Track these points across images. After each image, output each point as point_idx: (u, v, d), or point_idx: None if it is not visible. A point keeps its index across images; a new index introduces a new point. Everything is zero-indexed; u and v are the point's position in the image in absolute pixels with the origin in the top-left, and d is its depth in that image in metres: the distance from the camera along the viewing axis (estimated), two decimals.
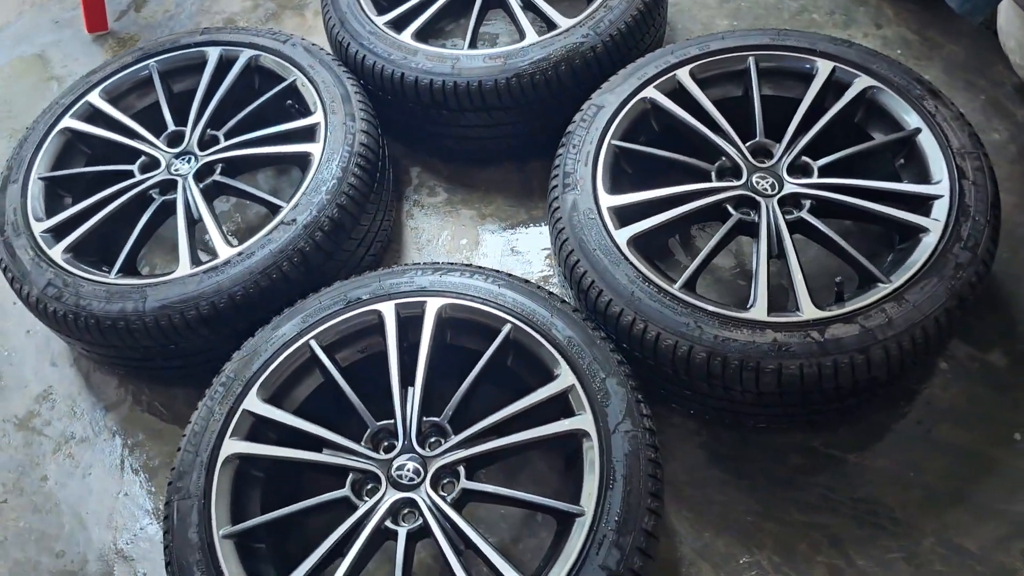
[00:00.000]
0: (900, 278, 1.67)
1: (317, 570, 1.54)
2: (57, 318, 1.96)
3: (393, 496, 1.59)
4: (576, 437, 1.60)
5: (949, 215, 1.74)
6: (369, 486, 1.63)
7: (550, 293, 1.79)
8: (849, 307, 1.64)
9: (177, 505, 1.64)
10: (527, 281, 1.81)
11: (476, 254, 2.26)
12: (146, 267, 2.34)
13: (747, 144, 1.93)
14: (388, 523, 1.56)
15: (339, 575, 1.51)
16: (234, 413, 1.72)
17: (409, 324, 1.78)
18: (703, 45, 2.06)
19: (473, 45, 2.27)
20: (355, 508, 1.60)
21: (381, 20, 2.31)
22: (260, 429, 1.73)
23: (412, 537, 1.56)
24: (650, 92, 2.00)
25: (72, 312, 1.93)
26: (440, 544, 1.52)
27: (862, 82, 1.96)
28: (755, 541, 1.75)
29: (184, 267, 1.95)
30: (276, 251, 1.92)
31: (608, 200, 1.85)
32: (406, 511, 1.59)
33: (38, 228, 2.08)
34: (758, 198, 1.83)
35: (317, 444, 1.69)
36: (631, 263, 1.75)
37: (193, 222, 2.07)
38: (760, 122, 1.95)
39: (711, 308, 1.67)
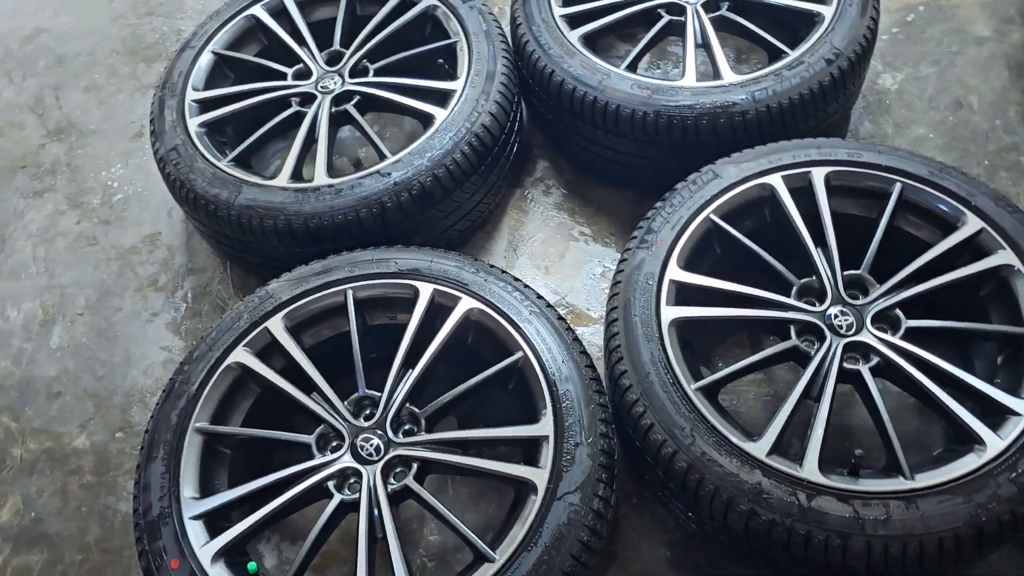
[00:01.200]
0: (925, 480, 1.50)
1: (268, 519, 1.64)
2: (169, 181, 2.15)
3: (349, 463, 1.66)
4: (526, 486, 1.59)
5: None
6: (333, 443, 1.71)
7: (575, 338, 1.75)
8: (852, 484, 1.49)
9: (176, 383, 1.79)
10: (561, 318, 1.78)
11: (558, 265, 2.24)
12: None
13: (846, 273, 1.76)
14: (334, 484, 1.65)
15: (265, 510, 1.62)
16: (257, 326, 1.83)
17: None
18: (855, 152, 1.88)
19: (632, 67, 2.19)
20: (312, 457, 1.68)
21: (560, 12, 2.27)
22: (270, 351, 1.83)
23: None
24: (773, 179, 1.86)
25: (180, 181, 2.10)
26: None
27: (1002, 257, 1.72)
28: None
29: (282, 178, 2.07)
30: (361, 196, 1.99)
31: (675, 273, 1.76)
32: (351, 480, 1.66)
33: (190, 96, 2.27)
34: (827, 332, 1.68)
35: (308, 387, 1.78)
36: (662, 344, 1.67)
37: (311, 140, 2.17)
38: (872, 256, 1.77)
39: (714, 422, 1.57)
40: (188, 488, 1.67)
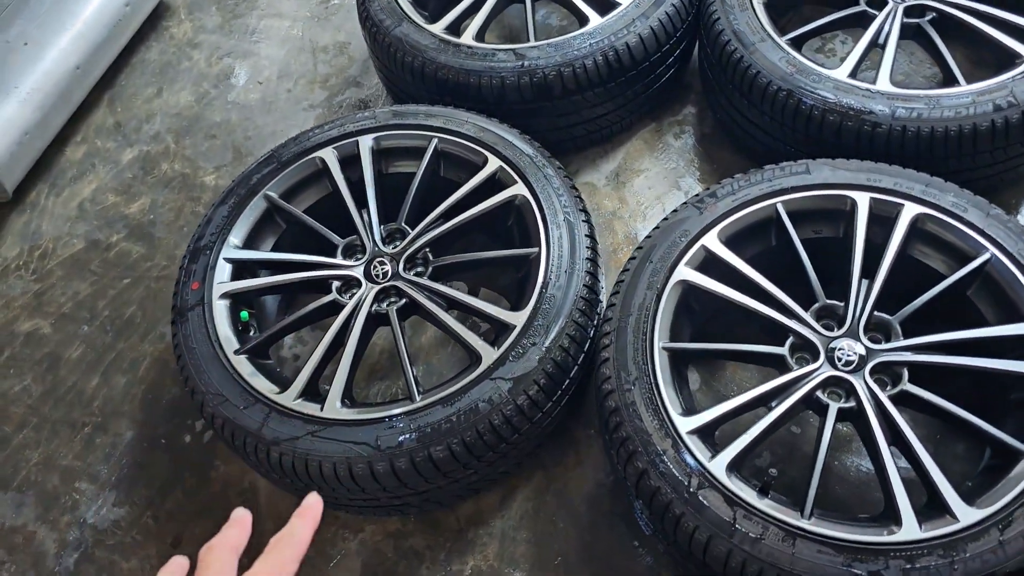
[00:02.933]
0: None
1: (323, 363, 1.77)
2: None
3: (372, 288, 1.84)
4: (477, 356, 1.69)
5: None
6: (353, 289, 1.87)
7: (589, 257, 1.77)
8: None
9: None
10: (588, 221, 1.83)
11: (647, 206, 2.23)
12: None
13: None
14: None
15: (344, 365, 1.73)
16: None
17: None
18: (960, 204, 1.70)
19: (797, 43, 2.05)
20: (340, 305, 1.82)
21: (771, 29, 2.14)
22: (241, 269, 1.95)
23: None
24: (861, 197, 1.73)
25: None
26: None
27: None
28: None
29: (439, 26, 2.22)
30: (488, 66, 2.09)
31: (710, 241, 1.73)
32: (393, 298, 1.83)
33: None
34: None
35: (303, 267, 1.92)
36: (659, 296, 1.67)
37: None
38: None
39: (660, 382, 1.56)
40: (235, 237, 1.95)
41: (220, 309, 1.84)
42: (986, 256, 1.65)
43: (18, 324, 2.27)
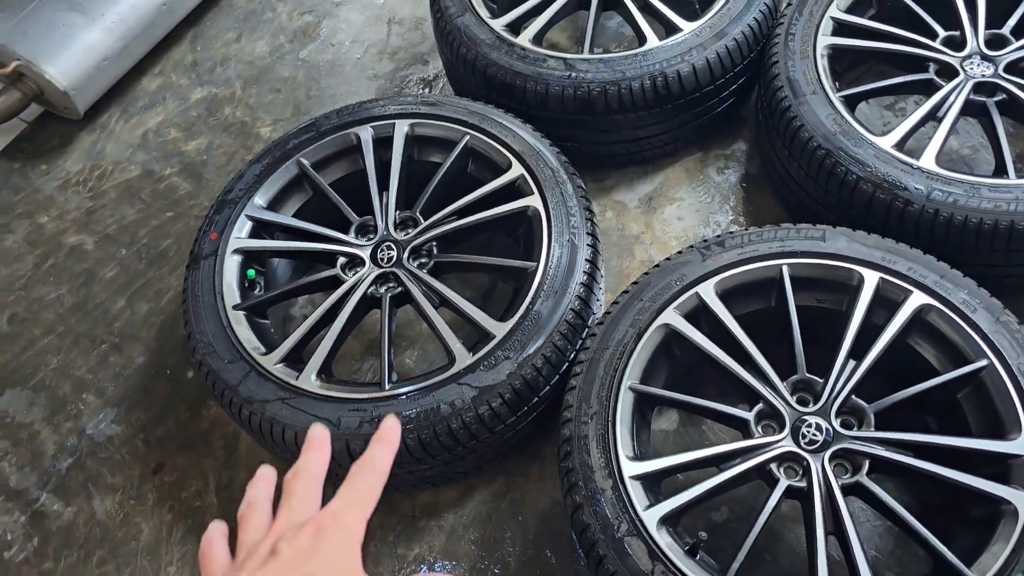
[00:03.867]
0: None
1: (311, 334, 1.83)
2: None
3: (374, 271, 1.89)
4: (451, 357, 1.72)
5: None
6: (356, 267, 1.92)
7: (584, 283, 1.77)
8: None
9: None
10: (594, 240, 1.83)
11: (673, 236, 2.20)
12: None
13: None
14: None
15: (329, 339, 1.79)
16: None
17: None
18: (971, 303, 1.62)
19: (852, 101, 1.97)
20: (341, 281, 1.88)
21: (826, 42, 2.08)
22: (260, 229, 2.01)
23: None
24: (869, 275, 1.67)
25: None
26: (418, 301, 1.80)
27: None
28: None
29: (499, 22, 2.22)
30: (536, 72, 2.08)
31: (706, 291, 1.70)
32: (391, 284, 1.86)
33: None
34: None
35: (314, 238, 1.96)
36: (637, 340, 1.66)
37: (576, 8, 2.28)
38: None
39: None
40: (261, 197, 2.02)
41: (231, 263, 1.92)
42: (983, 363, 1.56)
43: (66, 236, 2.42)
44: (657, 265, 1.78)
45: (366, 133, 2.07)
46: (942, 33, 2.04)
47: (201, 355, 1.79)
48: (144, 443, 2.05)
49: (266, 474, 0.93)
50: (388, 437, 0.94)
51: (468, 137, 2.01)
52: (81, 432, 2.08)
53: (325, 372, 1.78)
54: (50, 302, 2.30)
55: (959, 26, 2.04)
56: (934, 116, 1.93)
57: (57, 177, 2.54)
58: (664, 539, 1.47)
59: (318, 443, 0.93)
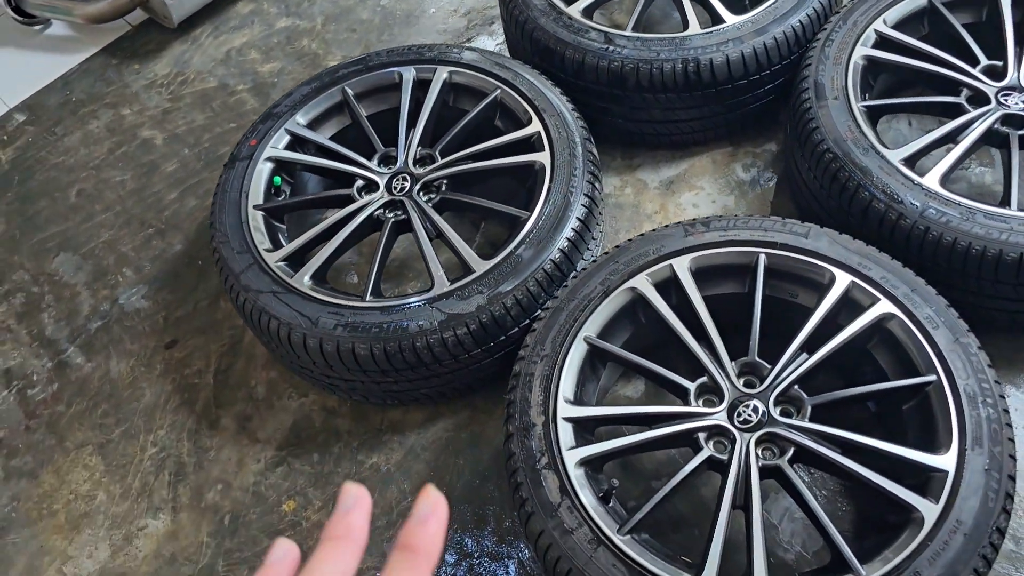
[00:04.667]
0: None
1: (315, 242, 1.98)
2: None
3: (385, 197, 2.02)
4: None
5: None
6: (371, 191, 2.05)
7: (582, 217, 1.85)
8: None
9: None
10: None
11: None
12: None
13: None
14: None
15: (329, 248, 1.93)
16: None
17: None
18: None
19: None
20: (353, 200, 2.02)
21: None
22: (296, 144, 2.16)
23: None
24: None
25: None
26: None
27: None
28: None
29: (576, 6, 2.31)
30: (582, 47, 2.16)
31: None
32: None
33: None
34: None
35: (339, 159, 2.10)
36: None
37: None
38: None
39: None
40: (303, 116, 2.17)
41: (262, 168, 2.08)
42: (931, 378, 1.57)
43: (141, 129, 2.65)
44: (642, 234, 1.84)
45: (408, 73, 2.19)
46: (984, 61, 2.01)
47: (216, 243, 1.96)
48: (164, 320, 2.25)
49: (290, 552, 0.60)
50: (434, 518, 0.61)
51: (499, 91, 2.11)
52: (115, 301, 2.30)
53: (318, 278, 1.91)
54: (114, 184, 2.53)
55: (1003, 57, 2.00)
56: (953, 139, 1.91)
57: (146, 77, 2.78)
58: (579, 479, 1.54)
59: (355, 500, 0.61)
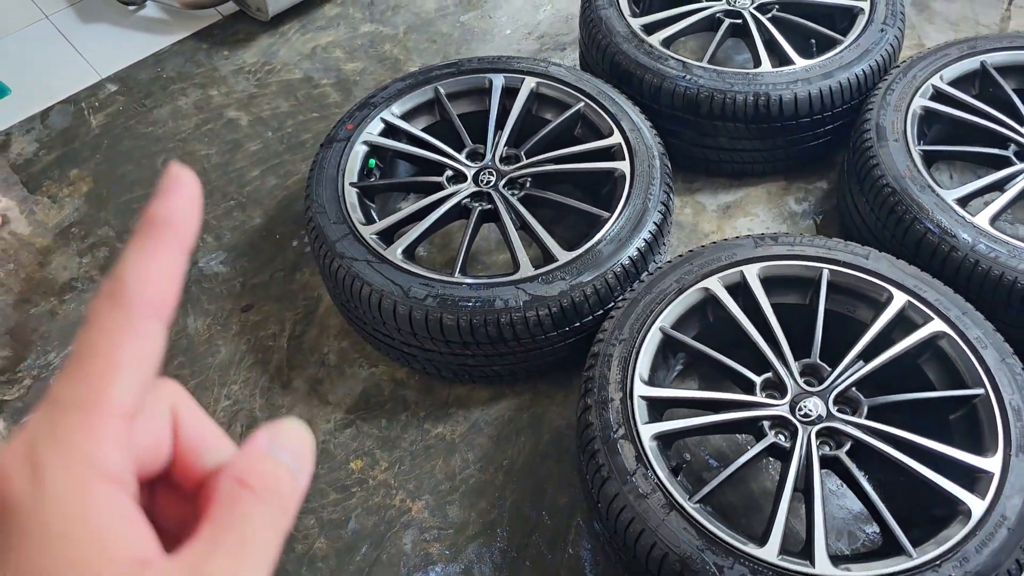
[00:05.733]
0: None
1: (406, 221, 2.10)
2: None
3: (472, 188, 2.16)
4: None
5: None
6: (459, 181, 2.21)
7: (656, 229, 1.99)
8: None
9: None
10: None
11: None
12: None
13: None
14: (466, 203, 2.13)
15: (421, 227, 2.06)
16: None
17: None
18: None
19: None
20: (443, 187, 2.16)
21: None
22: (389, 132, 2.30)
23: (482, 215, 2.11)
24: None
25: None
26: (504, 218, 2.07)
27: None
28: None
29: (634, 22, 2.48)
30: (659, 71, 2.34)
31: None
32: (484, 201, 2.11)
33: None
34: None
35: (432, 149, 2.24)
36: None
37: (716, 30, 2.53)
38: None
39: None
40: (398, 107, 2.32)
41: (358, 150, 2.21)
42: (979, 391, 1.71)
43: (228, 110, 2.78)
44: (714, 242, 1.98)
45: (498, 80, 2.35)
46: None
47: (313, 213, 2.08)
48: (241, 286, 2.36)
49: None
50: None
51: (583, 104, 2.27)
52: (195, 263, 2.40)
53: (408, 254, 2.04)
54: (200, 157, 2.65)
55: None
56: (1000, 187, 2.08)
57: (234, 63, 2.92)
58: (653, 451, 1.66)
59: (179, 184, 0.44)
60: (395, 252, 2.00)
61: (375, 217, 2.15)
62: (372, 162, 2.23)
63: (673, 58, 2.36)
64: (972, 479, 1.61)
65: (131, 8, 3.08)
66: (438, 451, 2.02)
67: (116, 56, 2.93)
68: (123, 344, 0.39)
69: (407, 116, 2.33)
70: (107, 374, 0.39)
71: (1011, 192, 2.05)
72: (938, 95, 2.25)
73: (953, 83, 2.29)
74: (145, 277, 0.40)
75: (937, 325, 1.80)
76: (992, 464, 1.61)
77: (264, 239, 2.46)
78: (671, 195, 2.11)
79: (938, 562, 1.49)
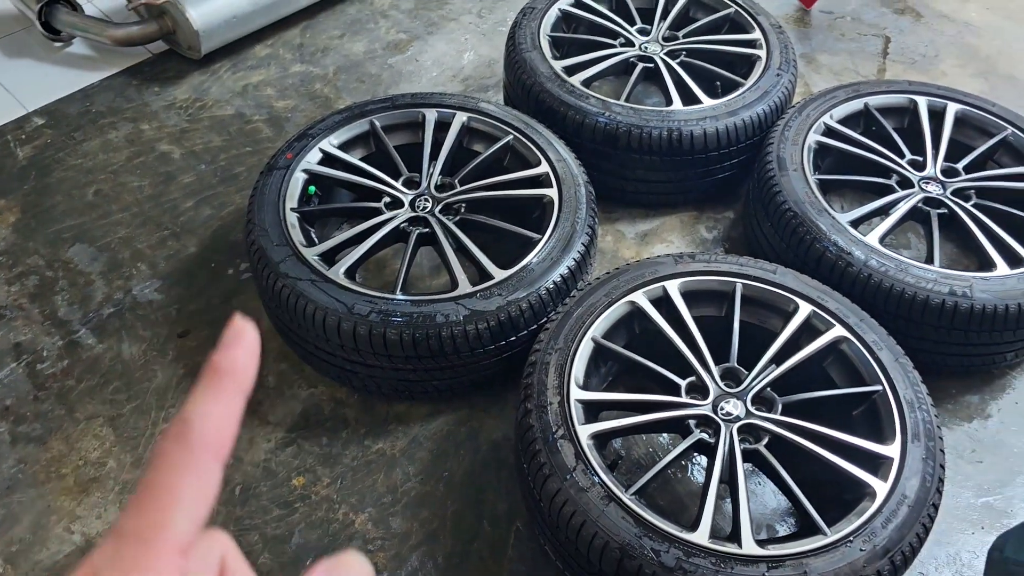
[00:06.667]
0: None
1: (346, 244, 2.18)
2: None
3: (409, 213, 2.25)
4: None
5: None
6: (395, 208, 2.31)
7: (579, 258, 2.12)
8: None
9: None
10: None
11: None
12: None
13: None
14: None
15: (361, 249, 2.15)
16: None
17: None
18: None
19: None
20: (381, 212, 2.25)
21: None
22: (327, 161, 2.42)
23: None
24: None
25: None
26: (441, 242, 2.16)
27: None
28: None
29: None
30: (614, 121, 2.51)
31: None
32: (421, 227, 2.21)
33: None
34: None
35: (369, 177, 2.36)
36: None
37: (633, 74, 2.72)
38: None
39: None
40: (335, 138, 2.40)
41: (298, 177, 2.27)
42: (878, 388, 1.88)
43: (160, 144, 2.80)
44: (639, 260, 2.13)
45: (431, 115, 2.47)
46: (908, 155, 2.46)
47: (255, 236, 2.13)
48: (177, 312, 2.36)
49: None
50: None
51: (511, 137, 2.41)
52: (128, 291, 2.39)
53: (350, 275, 2.10)
54: (132, 189, 2.65)
55: (923, 153, 2.45)
56: (886, 211, 2.32)
57: (165, 99, 2.94)
58: (590, 448, 1.76)
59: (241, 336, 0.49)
60: (338, 272, 2.06)
61: (315, 240, 2.21)
62: (312, 189, 2.30)
63: (594, 96, 2.54)
64: (876, 465, 1.78)
65: (58, 44, 3.07)
66: (379, 466, 2.07)
67: (43, 90, 2.92)
68: (184, 481, 0.42)
69: (344, 147, 2.41)
70: (168, 508, 0.42)
71: (895, 216, 2.29)
72: (829, 131, 2.50)
73: (841, 121, 2.54)
74: (207, 420, 0.44)
75: (839, 331, 1.98)
76: (892, 451, 1.78)
77: (199, 267, 2.47)
78: (596, 219, 2.26)
79: (850, 538, 1.64)
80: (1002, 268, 2.14)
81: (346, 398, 2.19)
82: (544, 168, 2.33)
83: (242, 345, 0.48)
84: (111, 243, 2.51)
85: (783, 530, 1.99)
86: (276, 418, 2.14)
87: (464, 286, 2.05)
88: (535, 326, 2.06)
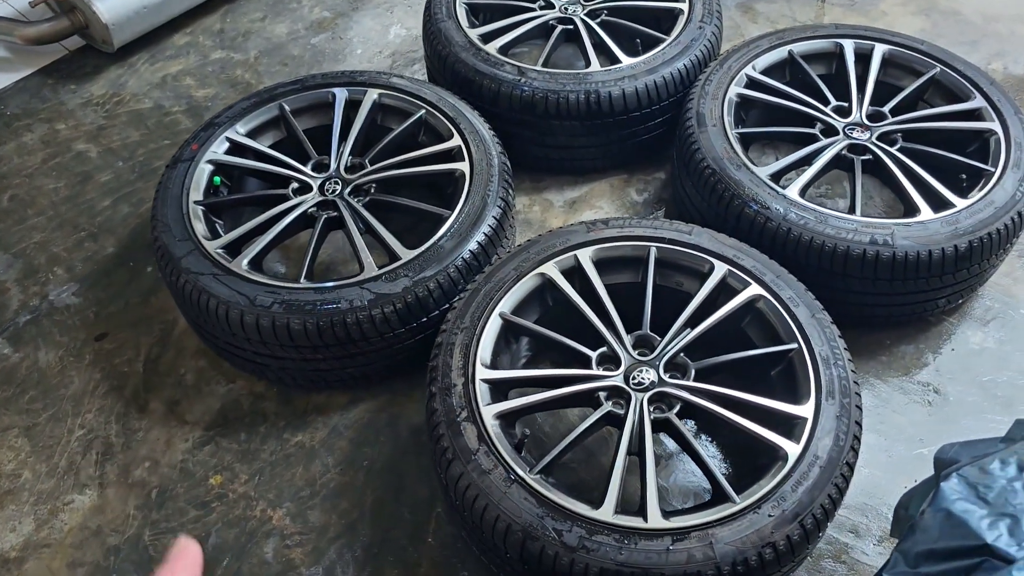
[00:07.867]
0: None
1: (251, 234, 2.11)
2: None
3: (318, 197, 2.18)
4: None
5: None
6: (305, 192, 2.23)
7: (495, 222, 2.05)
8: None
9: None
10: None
11: None
12: None
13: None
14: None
15: (266, 238, 2.08)
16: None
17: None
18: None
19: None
20: (288, 199, 2.17)
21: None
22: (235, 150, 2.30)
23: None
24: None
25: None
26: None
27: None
28: None
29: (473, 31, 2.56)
30: (541, 88, 2.42)
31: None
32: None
33: None
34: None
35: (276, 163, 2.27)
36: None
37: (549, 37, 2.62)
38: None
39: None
40: (243, 126, 2.32)
41: (202, 169, 2.20)
42: (793, 345, 1.82)
43: (76, 143, 2.72)
44: (550, 231, 2.06)
45: (341, 93, 2.38)
46: (833, 102, 2.37)
47: (158, 232, 2.06)
48: (95, 315, 2.30)
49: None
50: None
51: (423, 111, 2.32)
52: (44, 296, 2.34)
53: (255, 265, 2.04)
54: (48, 192, 2.59)
55: (849, 99, 2.36)
56: (808, 161, 2.23)
57: (81, 96, 2.86)
58: (495, 430, 1.70)
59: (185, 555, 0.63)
60: (240, 264, 2.00)
61: (221, 233, 2.14)
62: (217, 180, 2.22)
63: (509, 63, 2.45)
64: (790, 426, 1.71)
65: None
66: (298, 459, 2.02)
67: None
68: None
69: (253, 134, 2.34)
70: None
71: (816, 165, 2.20)
72: (751, 83, 2.40)
73: (765, 71, 2.44)
74: None
75: (755, 289, 1.91)
76: (806, 411, 1.72)
77: (118, 267, 2.41)
78: (510, 190, 2.18)
79: (758, 504, 1.58)
80: (926, 213, 2.06)
81: (265, 392, 2.14)
82: (456, 141, 2.25)
83: (184, 562, 0.60)
84: (26, 249, 2.44)
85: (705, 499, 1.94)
86: (194, 417, 2.09)
87: (370, 269, 1.98)
88: (447, 306, 2.00)
